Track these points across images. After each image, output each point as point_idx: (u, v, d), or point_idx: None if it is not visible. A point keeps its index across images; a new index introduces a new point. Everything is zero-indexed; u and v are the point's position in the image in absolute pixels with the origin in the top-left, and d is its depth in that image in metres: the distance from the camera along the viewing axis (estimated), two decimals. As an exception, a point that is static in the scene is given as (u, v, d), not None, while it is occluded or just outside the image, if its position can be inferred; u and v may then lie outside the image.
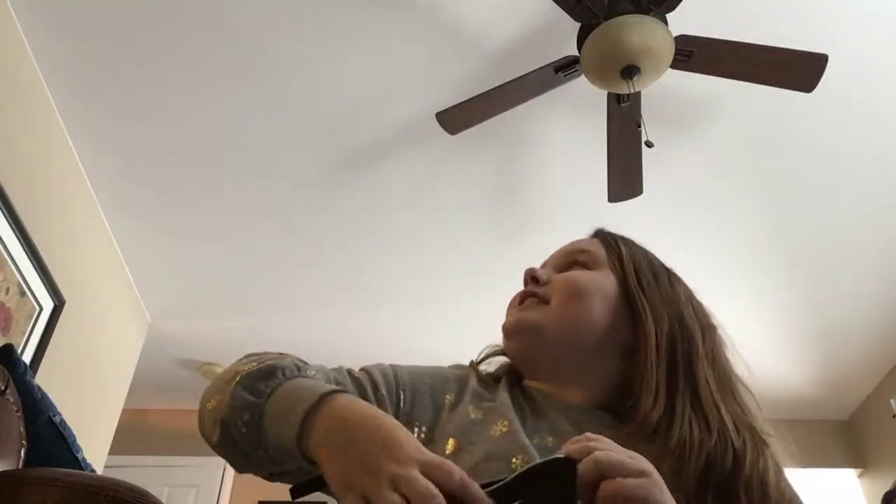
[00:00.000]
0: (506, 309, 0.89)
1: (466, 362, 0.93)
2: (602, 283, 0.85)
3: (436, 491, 0.49)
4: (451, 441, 0.71)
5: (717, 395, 0.76)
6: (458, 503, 0.51)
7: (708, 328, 0.85)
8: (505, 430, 0.71)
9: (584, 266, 0.87)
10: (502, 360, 0.91)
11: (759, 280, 3.43)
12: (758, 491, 0.69)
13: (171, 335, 3.87)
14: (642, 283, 0.84)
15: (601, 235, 0.92)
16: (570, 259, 0.90)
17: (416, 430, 0.74)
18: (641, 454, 0.58)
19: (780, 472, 0.73)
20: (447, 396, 0.79)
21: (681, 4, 2.04)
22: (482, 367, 0.90)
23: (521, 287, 0.90)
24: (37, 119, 2.52)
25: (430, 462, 0.52)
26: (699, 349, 0.80)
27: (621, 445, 0.57)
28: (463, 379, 0.84)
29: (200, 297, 3.62)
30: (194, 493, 4.24)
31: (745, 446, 0.71)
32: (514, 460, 0.66)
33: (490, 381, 0.86)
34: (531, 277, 0.87)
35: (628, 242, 0.91)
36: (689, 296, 0.89)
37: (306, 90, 2.55)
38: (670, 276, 0.90)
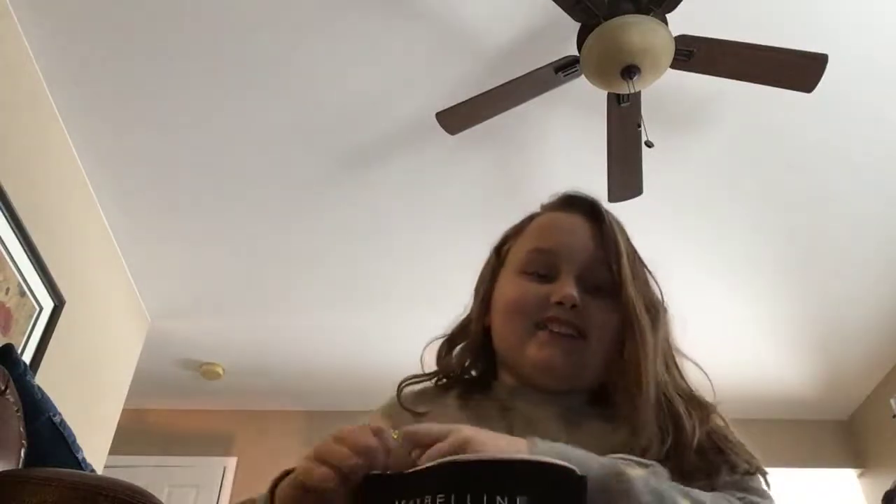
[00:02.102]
0: (520, 304, 0.85)
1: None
2: (617, 318, 0.84)
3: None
4: None
5: (668, 377, 0.80)
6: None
7: (663, 311, 0.86)
8: None
9: (606, 291, 0.84)
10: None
11: (759, 279, 3.43)
12: (711, 450, 0.73)
13: (171, 335, 3.87)
14: (641, 309, 0.84)
15: (611, 243, 0.87)
16: (595, 278, 0.85)
17: None
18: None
19: (728, 430, 0.77)
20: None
21: (681, 4, 2.04)
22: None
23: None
24: (37, 119, 2.52)
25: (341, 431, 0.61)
26: (656, 339, 0.82)
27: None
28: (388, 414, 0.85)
29: (200, 297, 3.62)
30: (194, 493, 4.24)
31: (690, 415, 0.75)
32: None
33: (423, 398, 0.86)
34: (573, 305, 0.82)
35: (632, 254, 0.89)
36: (652, 281, 0.89)
37: (307, 91, 2.55)
38: (646, 270, 0.90)
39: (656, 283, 0.89)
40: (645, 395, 0.75)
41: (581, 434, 0.74)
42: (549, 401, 0.80)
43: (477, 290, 0.95)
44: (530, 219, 0.97)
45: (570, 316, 0.81)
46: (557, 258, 0.86)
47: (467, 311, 0.94)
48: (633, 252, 0.89)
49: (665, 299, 0.88)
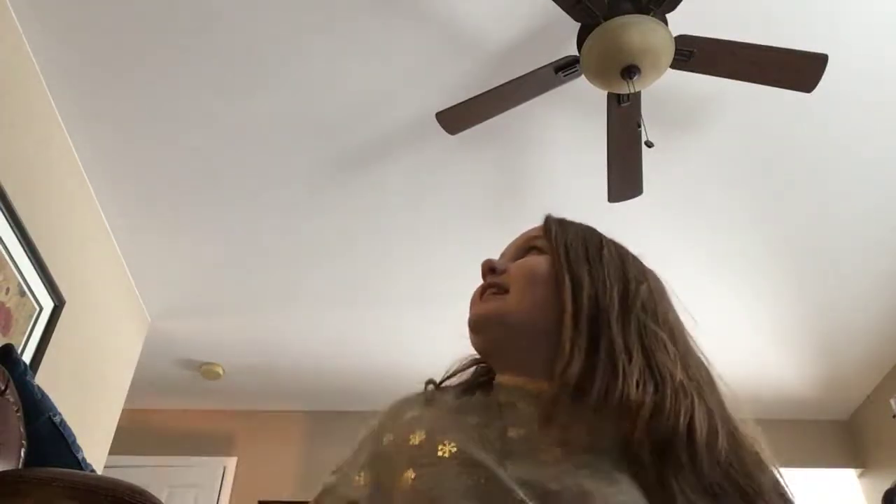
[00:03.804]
0: (469, 305, 0.90)
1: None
2: (549, 266, 0.85)
3: None
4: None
5: (636, 349, 0.76)
6: None
7: (634, 282, 0.83)
8: (454, 450, 0.70)
9: (541, 251, 0.88)
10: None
11: (759, 279, 3.43)
12: (683, 449, 0.69)
13: (171, 335, 3.87)
14: (570, 256, 0.84)
15: (545, 221, 0.92)
16: (527, 246, 0.90)
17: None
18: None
19: (715, 428, 0.72)
20: (385, 436, 0.79)
21: (681, 4, 2.04)
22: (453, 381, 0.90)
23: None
24: (37, 119, 2.52)
25: None
26: (616, 307, 0.79)
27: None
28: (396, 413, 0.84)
29: (200, 297, 3.62)
30: (194, 493, 4.23)
31: (666, 395, 0.71)
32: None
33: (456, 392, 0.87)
34: (489, 269, 0.88)
35: (565, 223, 0.92)
36: (623, 257, 0.87)
37: (307, 91, 2.55)
38: (603, 244, 0.88)
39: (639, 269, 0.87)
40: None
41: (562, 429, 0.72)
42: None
43: None
44: None
45: (491, 280, 0.87)
46: (503, 257, 0.93)
47: None
48: (577, 235, 0.89)
49: (646, 278, 0.86)
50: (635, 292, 0.82)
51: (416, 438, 0.73)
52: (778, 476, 0.74)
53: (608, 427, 0.70)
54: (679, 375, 0.75)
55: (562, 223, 0.91)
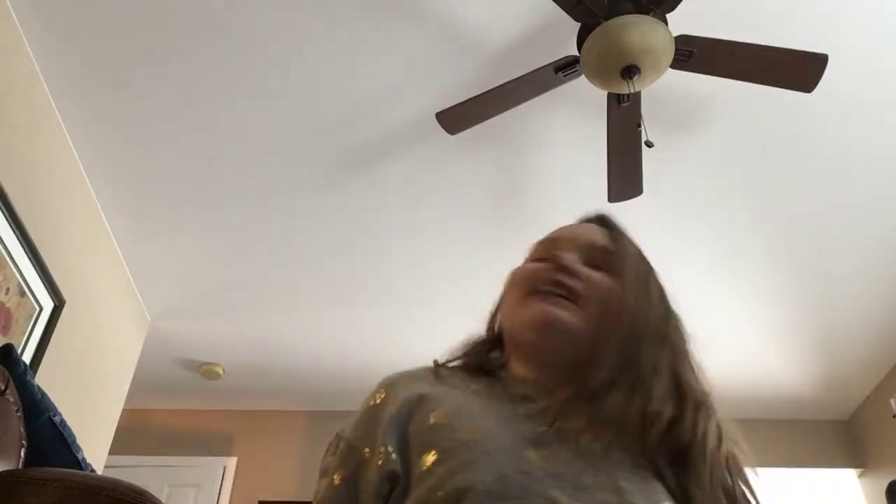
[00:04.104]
0: (519, 280, 0.87)
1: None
2: (611, 287, 0.85)
3: None
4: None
5: (665, 372, 0.78)
6: None
7: (673, 314, 0.87)
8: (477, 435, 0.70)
9: (608, 271, 0.86)
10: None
11: (759, 279, 3.43)
12: (699, 455, 0.71)
13: (171, 335, 3.87)
14: (629, 282, 0.85)
15: (615, 238, 0.91)
16: (598, 255, 0.87)
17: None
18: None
19: (721, 439, 0.75)
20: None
21: (681, 4, 2.04)
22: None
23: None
24: (37, 120, 2.52)
25: None
26: (656, 332, 0.82)
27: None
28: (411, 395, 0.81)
29: (200, 297, 3.62)
30: (194, 493, 4.23)
31: (686, 409, 0.74)
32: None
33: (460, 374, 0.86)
34: (561, 267, 0.84)
35: (627, 243, 0.91)
36: (663, 288, 0.90)
37: (307, 91, 2.55)
38: (652, 273, 0.90)
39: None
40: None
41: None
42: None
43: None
44: None
45: (561, 277, 0.84)
46: (557, 243, 0.90)
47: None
48: (642, 257, 0.91)
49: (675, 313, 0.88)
50: (675, 322, 0.85)
51: (436, 418, 0.72)
52: (751, 485, 0.75)
53: (625, 431, 0.71)
54: (699, 394, 0.78)
55: (627, 243, 0.91)
